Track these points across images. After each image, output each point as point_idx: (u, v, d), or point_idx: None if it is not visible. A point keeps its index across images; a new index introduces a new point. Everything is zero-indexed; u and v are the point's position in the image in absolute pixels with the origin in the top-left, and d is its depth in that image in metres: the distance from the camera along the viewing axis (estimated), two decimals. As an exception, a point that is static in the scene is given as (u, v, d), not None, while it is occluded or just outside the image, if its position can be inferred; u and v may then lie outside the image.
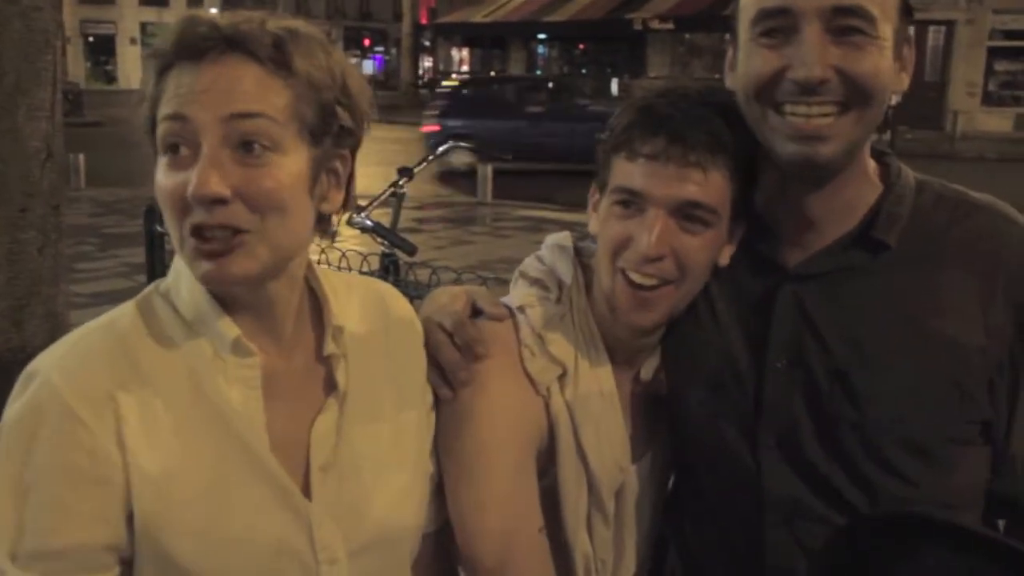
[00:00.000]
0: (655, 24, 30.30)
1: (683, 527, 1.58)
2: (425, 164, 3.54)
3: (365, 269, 2.98)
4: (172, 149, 1.08)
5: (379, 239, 3.14)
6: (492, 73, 36.03)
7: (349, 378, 1.25)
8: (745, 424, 1.41)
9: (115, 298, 7.10)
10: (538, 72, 36.75)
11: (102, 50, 51.42)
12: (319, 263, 1.33)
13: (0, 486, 1.08)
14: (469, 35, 39.82)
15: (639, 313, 1.40)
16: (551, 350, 1.43)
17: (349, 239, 3.17)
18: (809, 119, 1.29)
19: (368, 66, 57.64)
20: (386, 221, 3.24)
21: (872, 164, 1.43)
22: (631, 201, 1.38)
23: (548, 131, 14.97)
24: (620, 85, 32.60)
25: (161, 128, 1.09)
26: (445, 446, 1.39)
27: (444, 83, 21.40)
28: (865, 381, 1.33)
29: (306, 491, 1.19)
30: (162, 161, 1.09)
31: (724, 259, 1.44)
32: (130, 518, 1.11)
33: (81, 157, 13.55)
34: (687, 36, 32.00)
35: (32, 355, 2.15)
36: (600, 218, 1.44)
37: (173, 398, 1.13)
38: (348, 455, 1.23)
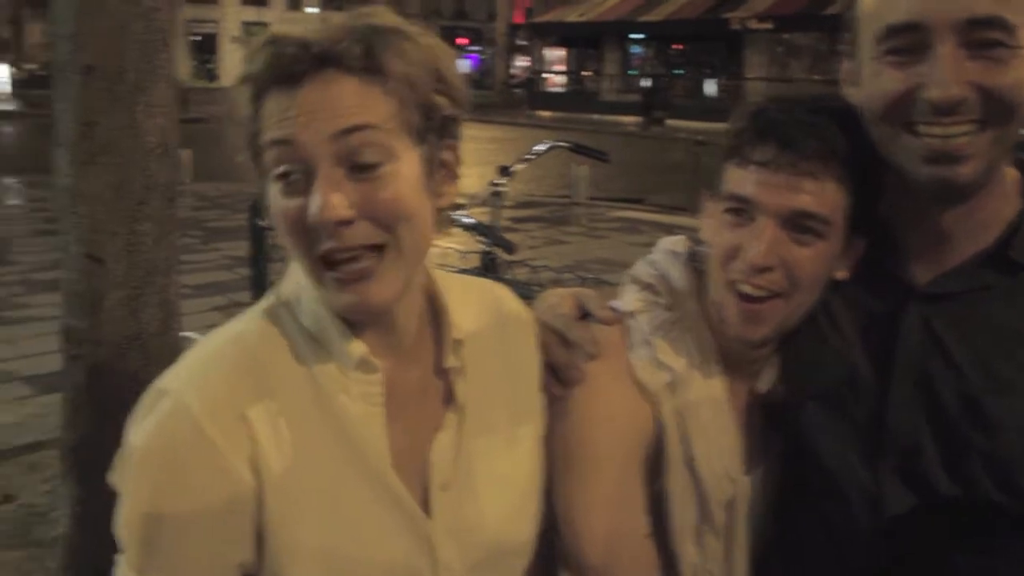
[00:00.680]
0: (753, 24, 29.89)
1: (797, 544, 1.53)
2: (525, 163, 3.54)
3: (464, 267, 3.00)
4: (283, 176, 1.06)
5: (478, 237, 3.16)
6: (585, 73, 36.04)
7: (468, 391, 1.23)
8: (865, 446, 1.36)
9: (217, 290, 7.32)
10: (632, 72, 36.59)
11: (205, 49, 52.96)
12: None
13: (132, 504, 1.09)
14: (564, 34, 39.82)
15: (748, 326, 1.36)
16: (660, 356, 1.41)
17: (448, 236, 3.20)
18: (946, 140, 1.21)
19: (463, 65, 58.18)
20: (486, 219, 3.25)
21: (1012, 175, 1.35)
22: (741, 209, 1.34)
23: None
24: (716, 86, 32.24)
25: (268, 155, 1.07)
26: (553, 445, 1.38)
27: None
28: (998, 408, 1.26)
29: (425, 508, 1.18)
30: (275, 189, 1.07)
31: (842, 272, 1.38)
32: (258, 537, 1.10)
33: (187, 153, 13.96)
34: (786, 36, 31.45)
35: (146, 342, 2.26)
36: (712, 226, 1.41)
37: (299, 415, 1.12)
38: (465, 471, 1.22)
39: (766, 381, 1.46)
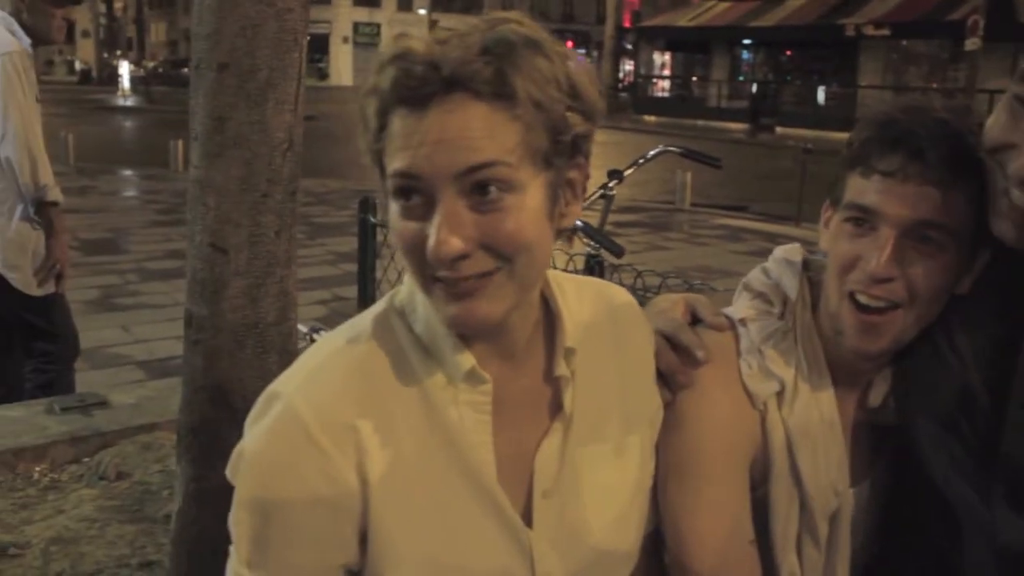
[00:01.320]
0: (869, 30, 29.04)
1: (904, 563, 1.51)
2: (635, 167, 3.53)
3: (571, 269, 3.01)
4: (404, 195, 1.05)
5: (586, 240, 3.16)
6: (694, 78, 35.58)
7: (576, 400, 1.22)
8: (977, 471, 1.32)
9: (322, 284, 7.47)
10: (741, 78, 36.03)
11: (316, 48, 54.18)
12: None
13: (243, 502, 1.13)
14: (672, 39, 39.43)
15: (865, 338, 1.33)
16: (770, 366, 1.40)
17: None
18: None
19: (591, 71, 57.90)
20: (594, 223, 3.25)
21: None
22: (863, 219, 1.32)
23: None
24: (827, 93, 31.47)
25: (391, 183, 1.06)
26: (660, 450, 1.38)
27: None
28: None
29: (528, 515, 1.18)
30: (394, 206, 1.07)
31: (963, 287, 1.35)
32: (362, 540, 1.13)
33: (297, 149, 14.27)
34: (903, 43, 30.50)
35: (264, 331, 2.33)
36: (831, 235, 1.39)
37: (406, 423, 1.13)
38: (570, 479, 1.21)
39: (878, 395, 1.44)
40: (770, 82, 34.25)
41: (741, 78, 36.61)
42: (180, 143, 14.42)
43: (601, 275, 3.18)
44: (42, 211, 3.84)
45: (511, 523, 1.16)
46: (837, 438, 1.41)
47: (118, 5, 55.18)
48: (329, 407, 1.10)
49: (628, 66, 50.32)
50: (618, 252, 3.03)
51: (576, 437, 1.22)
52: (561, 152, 1.08)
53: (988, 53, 20.85)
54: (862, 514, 1.47)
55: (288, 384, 1.14)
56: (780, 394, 1.40)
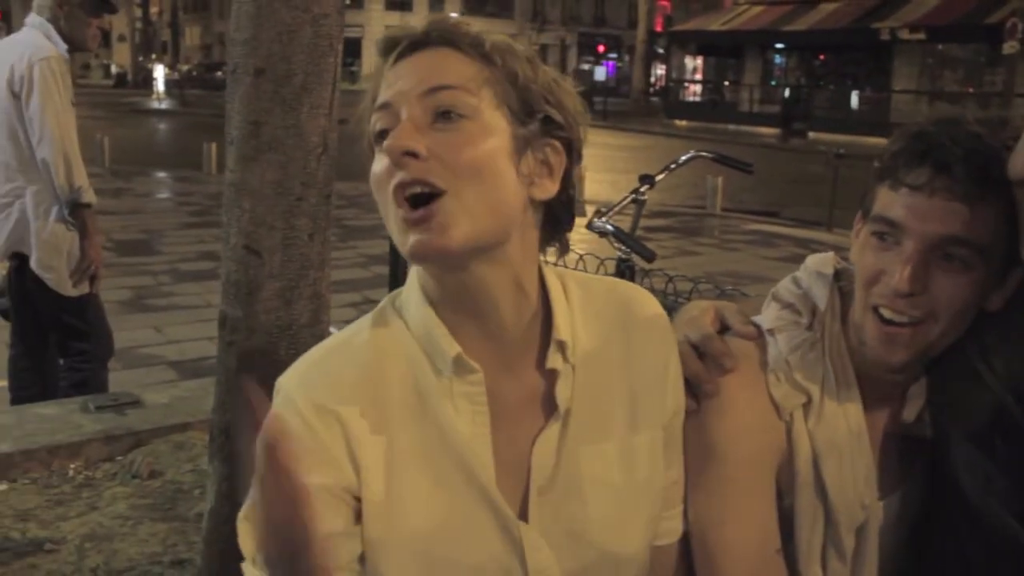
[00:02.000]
0: (904, 34, 28.75)
1: None
2: (667, 172, 3.52)
3: (603, 273, 3.01)
4: (381, 137, 1.12)
5: (617, 244, 3.16)
6: (726, 83, 35.43)
7: (575, 394, 1.21)
8: (1011, 491, 1.29)
9: (353, 286, 7.50)
10: (773, 83, 35.83)
11: (349, 52, 54.50)
12: (556, 264, 1.29)
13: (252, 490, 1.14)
14: (704, 43, 39.27)
15: (886, 349, 1.32)
16: (797, 377, 1.38)
17: (586, 242, 3.22)
18: None
19: (600, 72, 58.03)
20: (625, 227, 3.25)
21: None
22: (888, 233, 1.30)
23: None
24: (861, 98, 31.21)
25: (372, 120, 1.14)
26: (687, 458, 1.37)
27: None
28: None
29: (525, 511, 1.18)
30: (377, 154, 1.14)
31: (994, 304, 1.32)
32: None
33: (329, 152, 14.35)
34: (940, 47, 30.17)
35: (297, 333, 2.35)
36: (859, 247, 1.38)
37: (400, 414, 1.16)
38: (569, 476, 1.20)
39: (912, 410, 1.41)
40: (802, 86, 34.02)
41: (773, 83, 36.43)
42: (213, 146, 14.53)
43: (632, 279, 3.18)
44: (76, 213, 3.90)
45: (503, 516, 1.16)
46: (865, 450, 1.39)
47: (154, 10, 55.87)
48: (323, 395, 1.14)
49: (660, 70, 50.23)
50: (649, 257, 3.03)
51: (576, 434, 1.21)
52: (532, 118, 1.14)
53: (1026, 57, 20.60)
54: (892, 527, 1.44)
55: (289, 377, 1.19)
56: (807, 405, 1.38)
